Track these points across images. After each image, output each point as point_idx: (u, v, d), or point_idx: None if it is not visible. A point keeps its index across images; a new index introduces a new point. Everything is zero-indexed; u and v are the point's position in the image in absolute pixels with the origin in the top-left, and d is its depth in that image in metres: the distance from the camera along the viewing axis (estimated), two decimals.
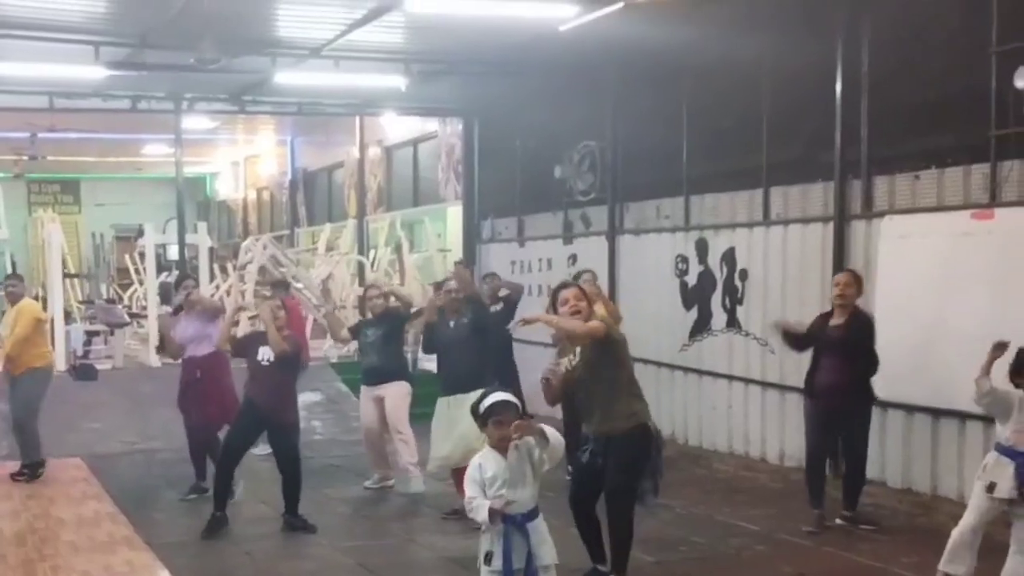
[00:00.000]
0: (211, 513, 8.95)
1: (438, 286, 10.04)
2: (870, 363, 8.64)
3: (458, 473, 9.06)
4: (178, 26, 10.61)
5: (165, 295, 18.97)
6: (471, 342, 9.19)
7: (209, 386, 10.00)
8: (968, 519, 6.69)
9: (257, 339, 9.15)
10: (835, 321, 8.67)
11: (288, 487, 9.07)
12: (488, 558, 5.23)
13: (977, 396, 6.68)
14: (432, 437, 9.21)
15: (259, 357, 8.89)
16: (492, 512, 5.13)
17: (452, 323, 9.34)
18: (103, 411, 13.23)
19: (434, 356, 9.96)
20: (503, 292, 11.55)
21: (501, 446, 5.29)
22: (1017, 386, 6.57)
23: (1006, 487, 6.50)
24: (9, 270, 20.14)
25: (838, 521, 8.70)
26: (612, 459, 6.99)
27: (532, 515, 5.29)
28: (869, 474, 9.66)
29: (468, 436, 8.27)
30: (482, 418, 5.36)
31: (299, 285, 20.05)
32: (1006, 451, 6.58)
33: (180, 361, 10.37)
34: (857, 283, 8.77)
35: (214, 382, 10.04)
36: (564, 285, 7.47)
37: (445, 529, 8.84)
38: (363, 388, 10.43)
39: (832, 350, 8.60)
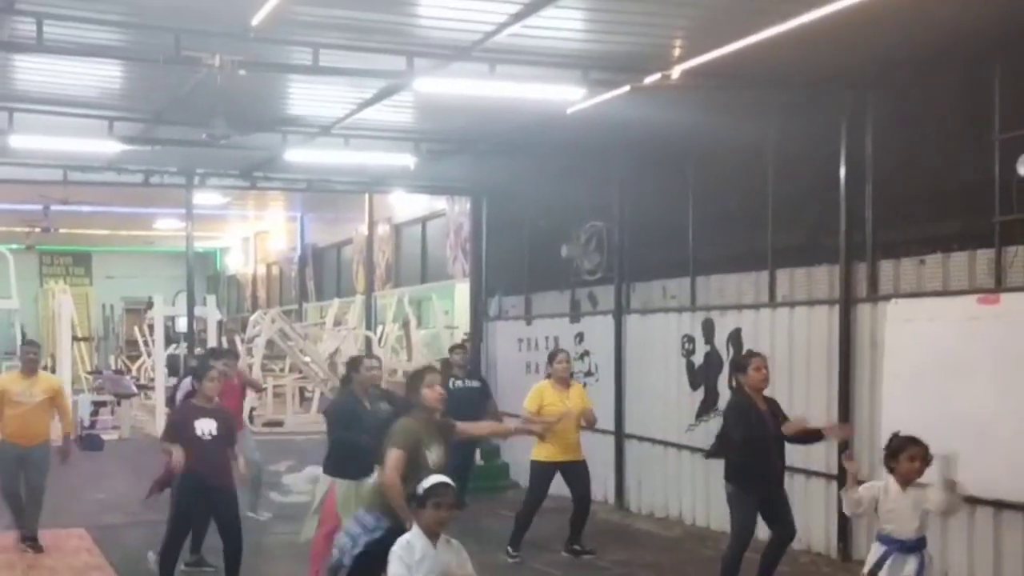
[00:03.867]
0: None
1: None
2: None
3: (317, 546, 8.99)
4: (191, 103, 10.75)
5: (173, 367, 19.08)
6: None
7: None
8: None
9: (190, 414, 8.95)
10: (763, 407, 8.56)
11: (231, 555, 8.92)
12: None
13: (849, 509, 6.68)
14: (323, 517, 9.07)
15: (198, 432, 8.73)
16: None
17: (370, 406, 9.01)
18: (108, 482, 13.19)
19: None
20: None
21: (433, 530, 5.29)
22: (890, 471, 6.54)
23: None
24: (19, 341, 20.19)
25: None
26: None
27: None
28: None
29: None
30: (420, 499, 5.33)
31: (307, 359, 20.16)
32: (886, 540, 6.55)
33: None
34: None
35: None
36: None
37: None
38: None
39: (773, 438, 8.50)
